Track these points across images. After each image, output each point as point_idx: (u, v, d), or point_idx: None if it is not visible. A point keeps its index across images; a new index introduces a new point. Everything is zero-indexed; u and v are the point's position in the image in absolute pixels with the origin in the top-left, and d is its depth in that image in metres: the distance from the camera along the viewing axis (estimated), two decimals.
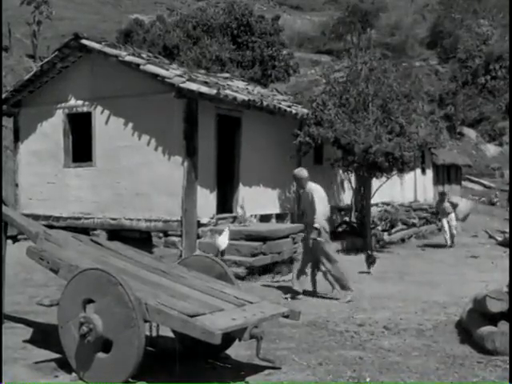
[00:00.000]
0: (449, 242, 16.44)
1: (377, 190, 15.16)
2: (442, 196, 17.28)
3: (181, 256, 10.54)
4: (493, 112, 40.14)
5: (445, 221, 16.69)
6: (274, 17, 32.95)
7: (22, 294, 8.51)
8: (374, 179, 14.65)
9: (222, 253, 10.28)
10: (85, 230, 11.15)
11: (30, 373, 5.15)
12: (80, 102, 12.49)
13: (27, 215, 9.82)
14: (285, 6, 59.51)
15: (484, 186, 34.88)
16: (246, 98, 11.91)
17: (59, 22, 37.33)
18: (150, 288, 5.11)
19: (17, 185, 13.58)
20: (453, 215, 16.71)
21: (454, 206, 16.82)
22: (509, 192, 29.66)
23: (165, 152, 11.33)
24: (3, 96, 13.48)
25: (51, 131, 12.90)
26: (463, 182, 30.40)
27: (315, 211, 8.67)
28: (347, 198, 16.56)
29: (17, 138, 13.65)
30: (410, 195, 21.64)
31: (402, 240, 17.23)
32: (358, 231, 15.15)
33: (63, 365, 5.14)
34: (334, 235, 14.94)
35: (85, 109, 12.42)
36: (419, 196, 22.42)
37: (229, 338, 4.93)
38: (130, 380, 4.68)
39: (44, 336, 6.22)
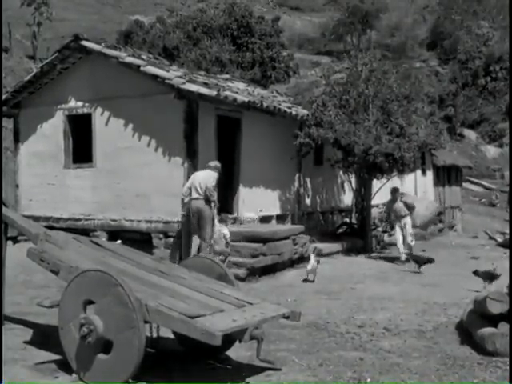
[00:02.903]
0: (403, 256, 13.00)
1: (377, 191, 15.16)
2: (394, 194, 13.72)
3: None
4: (493, 113, 40.13)
5: (398, 227, 13.50)
6: (274, 18, 32.95)
7: (23, 295, 8.50)
8: (375, 180, 14.65)
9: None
10: (85, 231, 11.16)
11: (30, 374, 5.15)
12: (80, 103, 12.50)
13: (27, 216, 9.82)
14: (285, 7, 59.43)
15: (484, 187, 34.89)
16: (246, 100, 11.92)
17: (59, 23, 37.31)
18: (151, 289, 5.11)
19: (17, 186, 13.60)
20: (408, 220, 13.44)
21: (410, 208, 13.53)
22: (509, 193, 29.67)
23: (165, 153, 11.35)
24: (3, 97, 13.49)
25: (51, 132, 12.92)
26: (463, 184, 30.39)
27: None
28: (347, 199, 16.56)
29: (17, 139, 13.67)
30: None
31: None
32: (358, 232, 15.14)
33: (63, 366, 5.14)
34: (335, 236, 14.99)
35: (85, 110, 12.44)
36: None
37: (229, 339, 4.93)
38: (131, 381, 4.67)
39: (44, 337, 6.22)
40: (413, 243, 13.34)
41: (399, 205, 13.41)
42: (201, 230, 10.16)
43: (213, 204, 10.18)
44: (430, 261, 11.66)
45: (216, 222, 10.33)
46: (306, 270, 10.21)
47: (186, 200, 10.35)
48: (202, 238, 10.14)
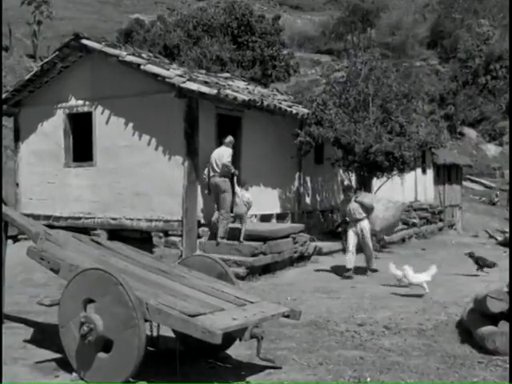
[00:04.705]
0: (350, 265, 10.70)
1: (377, 189, 15.16)
2: (347, 192, 11.32)
3: (181, 256, 10.56)
4: (493, 112, 40.13)
5: (351, 232, 10.96)
6: (275, 17, 32.97)
7: (23, 294, 8.51)
8: (375, 179, 14.64)
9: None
10: (85, 230, 11.15)
11: (30, 373, 5.16)
12: (80, 102, 12.49)
13: (27, 215, 9.83)
14: (285, 5, 59.50)
15: (484, 185, 34.89)
16: (247, 98, 11.91)
17: (59, 21, 37.35)
18: (151, 288, 5.11)
19: (17, 184, 13.59)
20: (365, 224, 10.95)
21: (368, 209, 10.97)
22: (509, 192, 29.66)
23: (165, 152, 11.34)
24: (3, 96, 13.48)
25: (52, 131, 12.91)
26: (464, 182, 30.45)
27: None
28: None
29: (17, 137, 13.66)
30: (411, 195, 21.65)
31: (403, 240, 17.21)
32: None
33: (64, 365, 5.15)
34: (335, 235, 14.97)
35: (85, 109, 12.43)
36: (420, 196, 22.42)
37: (229, 337, 4.93)
38: (131, 380, 4.68)
39: (44, 336, 6.23)
40: (372, 252, 11.14)
41: (354, 206, 10.97)
42: (220, 203, 10.96)
43: (232, 175, 11.03)
44: (491, 265, 10.81)
45: (236, 188, 11.05)
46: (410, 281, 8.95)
47: (206, 180, 11.14)
48: (221, 208, 10.91)
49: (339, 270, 10.90)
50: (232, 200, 11.01)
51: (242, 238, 10.70)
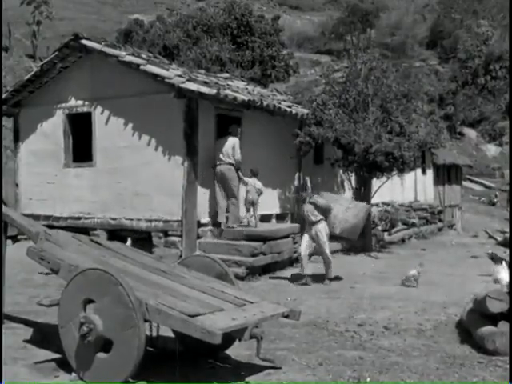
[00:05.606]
0: (306, 271, 9.92)
1: (377, 189, 15.15)
2: (300, 192, 11.09)
3: (181, 256, 10.55)
4: (493, 112, 40.10)
5: (306, 237, 10.09)
6: (274, 17, 32.97)
7: (22, 294, 8.50)
8: (375, 179, 14.64)
9: None
10: (85, 230, 11.15)
11: (30, 373, 5.15)
12: (80, 102, 12.49)
13: (27, 215, 9.84)
14: (284, 6, 59.45)
15: (484, 186, 34.87)
16: (246, 98, 11.90)
17: (59, 22, 37.30)
18: (150, 288, 5.11)
19: (17, 185, 13.59)
20: (321, 227, 9.98)
21: (324, 210, 9.98)
22: (509, 192, 29.66)
23: (165, 152, 11.34)
24: (3, 96, 13.48)
25: (51, 131, 12.91)
26: (463, 182, 30.44)
27: None
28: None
29: (17, 138, 13.66)
30: (411, 195, 21.65)
31: (403, 240, 17.23)
32: None
33: (63, 365, 5.15)
34: (334, 235, 14.97)
35: (85, 109, 12.43)
36: (419, 196, 22.41)
37: (229, 337, 4.93)
38: (130, 380, 4.68)
39: (44, 336, 6.22)
40: (330, 258, 10.07)
41: (308, 207, 9.99)
42: (228, 191, 11.26)
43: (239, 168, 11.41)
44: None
45: (247, 179, 11.43)
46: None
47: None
48: (231, 196, 11.25)
49: (338, 270, 10.88)
50: (238, 187, 11.40)
51: (256, 224, 11.25)
